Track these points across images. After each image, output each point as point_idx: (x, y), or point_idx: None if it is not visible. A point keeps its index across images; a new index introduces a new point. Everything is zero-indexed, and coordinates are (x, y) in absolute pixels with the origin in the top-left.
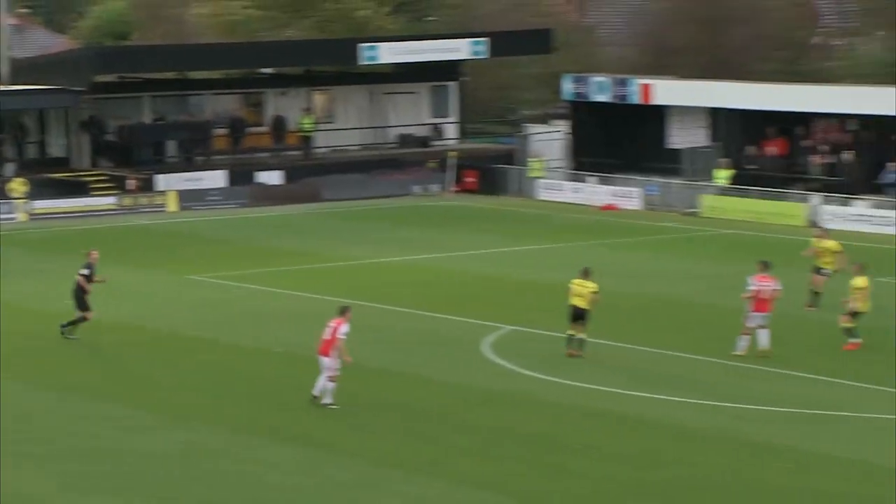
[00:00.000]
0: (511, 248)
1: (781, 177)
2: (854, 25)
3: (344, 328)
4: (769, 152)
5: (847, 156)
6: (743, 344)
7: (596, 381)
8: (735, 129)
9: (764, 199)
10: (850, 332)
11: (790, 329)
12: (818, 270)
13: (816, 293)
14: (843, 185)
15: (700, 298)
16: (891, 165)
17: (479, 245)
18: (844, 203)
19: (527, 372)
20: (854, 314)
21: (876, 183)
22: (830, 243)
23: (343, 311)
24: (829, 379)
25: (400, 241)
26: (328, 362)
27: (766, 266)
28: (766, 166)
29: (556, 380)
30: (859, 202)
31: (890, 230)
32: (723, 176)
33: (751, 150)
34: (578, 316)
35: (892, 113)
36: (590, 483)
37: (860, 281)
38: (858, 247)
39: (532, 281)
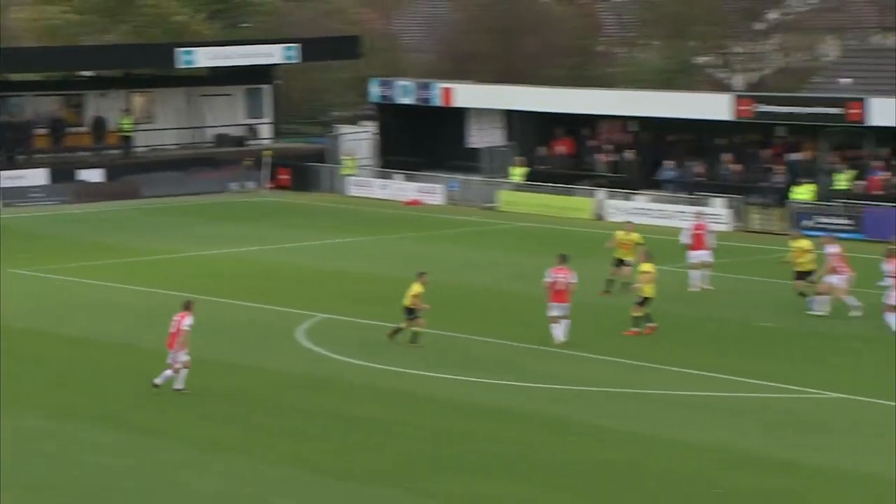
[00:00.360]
0: (323, 241)
1: (570, 174)
2: (633, 35)
3: (188, 321)
4: (558, 151)
5: (629, 154)
6: (558, 332)
7: (404, 365)
8: (528, 129)
9: (555, 194)
10: (642, 320)
11: (587, 315)
12: (620, 262)
13: (611, 281)
14: (625, 181)
15: (500, 286)
16: (668, 163)
17: (293, 238)
18: (627, 198)
19: (339, 357)
20: (644, 302)
21: (655, 179)
22: (634, 236)
23: (187, 305)
24: (620, 360)
25: (217, 235)
26: (174, 353)
27: (563, 259)
28: (556, 164)
29: (367, 364)
30: (640, 197)
31: (667, 222)
32: (518, 173)
33: (542, 149)
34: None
35: (668, 115)
36: (390, 458)
37: (647, 266)
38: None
39: (343, 271)
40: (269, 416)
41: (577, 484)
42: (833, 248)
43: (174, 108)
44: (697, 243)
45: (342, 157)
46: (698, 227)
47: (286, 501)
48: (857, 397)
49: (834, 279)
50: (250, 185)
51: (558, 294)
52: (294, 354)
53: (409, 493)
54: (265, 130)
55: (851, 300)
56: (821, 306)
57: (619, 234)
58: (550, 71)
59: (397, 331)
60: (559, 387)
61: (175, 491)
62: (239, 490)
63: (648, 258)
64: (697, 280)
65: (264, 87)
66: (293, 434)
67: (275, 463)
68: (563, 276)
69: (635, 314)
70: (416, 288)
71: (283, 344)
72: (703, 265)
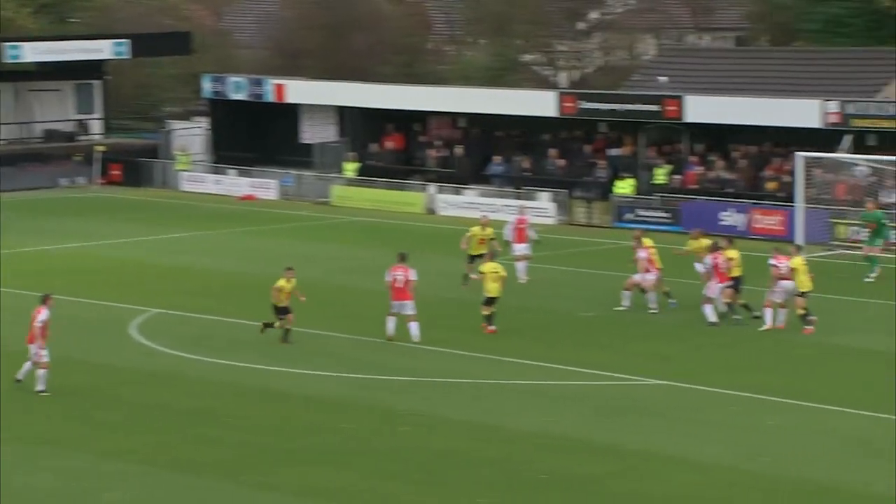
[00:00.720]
0: (156, 236)
1: (402, 169)
2: (461, 34)
3: (42, 315)
4: (390, 147)
5: (458, 150)
6: (391, 326)
7: (238, 359)
8: (360, 125)
9: (387, 189)
10: (488, 319)
11: (432, 309)
12: (473, 258)
13: (467, 276)
14: (455, 176)
15: (334, 280)
16: (496, 158)
17: (125, 234)
18: (457, 192)
19: (172, 352)
20: (490, 301)
21: (483, 174)
22: (489, 231)
23: (44, 299)
24: (453, 351)
25: (48, 230)
26: (33, 349)
27: (402, 257)
28: (387, 160)
29: (201, 358)
30: (469, 191)
31: (496, 216)
32: (350, 168)
33: (374, 145)
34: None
35: (496, 112)
36: (226, 451)
37: (491, 266)
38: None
39: (176, 266)
40: (104, 410)
41: (409, 472)
42: (643, 253)
43: (1, 103)
44: (519, 237)
45: (175, 153)
46: (520, 222)
47: (116, 495)
48: (676, 383)
49: (649, 276)
50: (80, 180)
51: (398, 292)
52: (128, 349)
53: (244, 486)
54: (96, 126)
55: (652, 297)
56: (626, 301)
57: (475, 229)
58: (381, 68)
59: (268, 325)
60: (394, 378)
61: (8, 489)
62: (72, 485)
63: (492, 257)
64: (523, 272)
65: (94, 82)
66: (128, 428)
67: (109, 457)
68: (401, 273)
69: (484, 313)
70: (283, 283)
71: (117, 339)
72: (525, 258)
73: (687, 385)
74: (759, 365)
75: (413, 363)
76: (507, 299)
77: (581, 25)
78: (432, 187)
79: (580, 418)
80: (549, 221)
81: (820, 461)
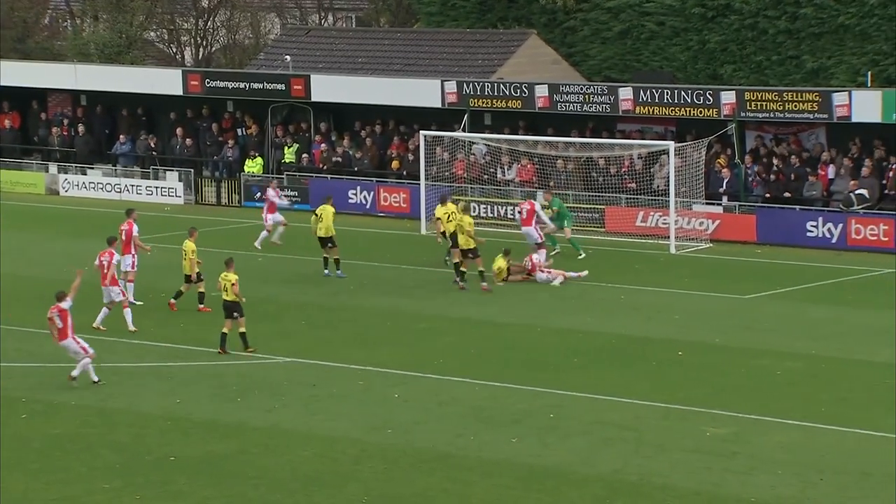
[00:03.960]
0: None
1: (21, 148)
2: (80, 8)
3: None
4: (6, 125)
5: (81, 129)
6: (100, 317)
7: None
8: None
9: (5, 169)
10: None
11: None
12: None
13: (326, 259)
14: (78, 155)
15: None
16: (122, 137)
17: None
18: (81, 172)
19: None
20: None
21: (109, 153)
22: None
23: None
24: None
25: None
26: None
27: (110, 241)
28: (4, 139)
29: None
30: (94, 171)
31: (122, 196)
32: None
33: None
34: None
35: (120, 90)
36: None
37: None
38: (97, 213)
39: None
40: None
41: (27, 460)
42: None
43: None
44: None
45: None
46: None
47: None
48: (300, 360)
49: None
50: None
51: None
52: None
53: None
54: None
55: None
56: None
57: (325, 207)
58: None
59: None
60: (12, 364)
61: None
62: None
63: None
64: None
65: None
66: None
67: None
68: (106, 258)
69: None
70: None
71: None
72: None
73: (311, 361)
74: (381, 340)
75: (28, 347)
76: (137, 281)
77: (204, 2)
78: (54, 167)
79: (205, 399)
80: (178, 201)
81: (440, 430)
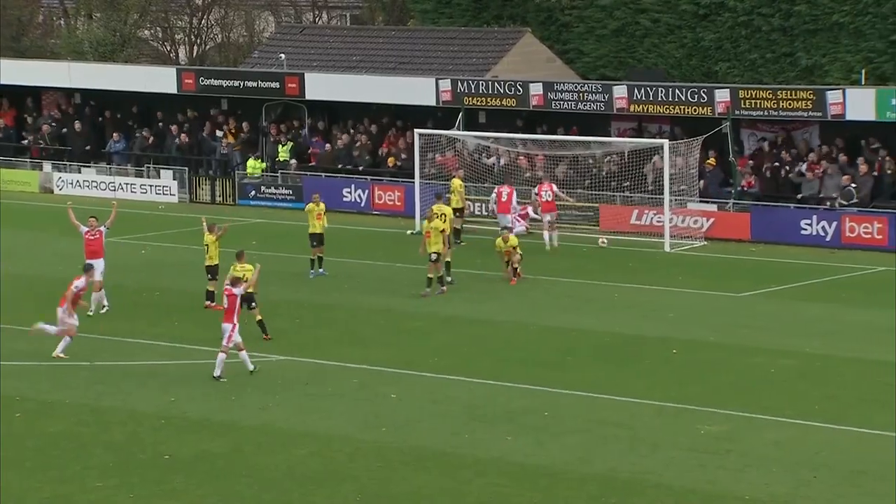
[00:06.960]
0: None
1: (14, 146)
2: (73, 6)
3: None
4: (0, 124)
5: (76, 127)
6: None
7: None
8: None
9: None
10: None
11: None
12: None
13: (313, 260)
14: (73, 153)
15: None
16: (116, 136)
17: None
18: (75, 170)
19: None
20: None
21: (104, 151)
22: (322, 206)
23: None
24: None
25: None
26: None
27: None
28: None
29: None
30: (88, 169)
31: (117, 195)
32: None
33: None
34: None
35: (115, 88)
36: None
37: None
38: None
39: None
40: None
41: (22, 458)
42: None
43: None
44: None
45: None
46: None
47: None
48: (294, 358)
49: None
50: None
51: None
52: None
53: None
54: None
55: None
56: None
57: (310, 205)
58: None
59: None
60: (7, 363)
61: None
62: None
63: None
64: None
65: None
66: None
67: None
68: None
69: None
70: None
71: None
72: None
73: (305, 359)
74: (375, 339)
75: (21, 346)
76: (131, 279)
77: (198, 0)
78: (48, 165)
79: (199, 397)
80: (172, 200)
81: (434, 428)
